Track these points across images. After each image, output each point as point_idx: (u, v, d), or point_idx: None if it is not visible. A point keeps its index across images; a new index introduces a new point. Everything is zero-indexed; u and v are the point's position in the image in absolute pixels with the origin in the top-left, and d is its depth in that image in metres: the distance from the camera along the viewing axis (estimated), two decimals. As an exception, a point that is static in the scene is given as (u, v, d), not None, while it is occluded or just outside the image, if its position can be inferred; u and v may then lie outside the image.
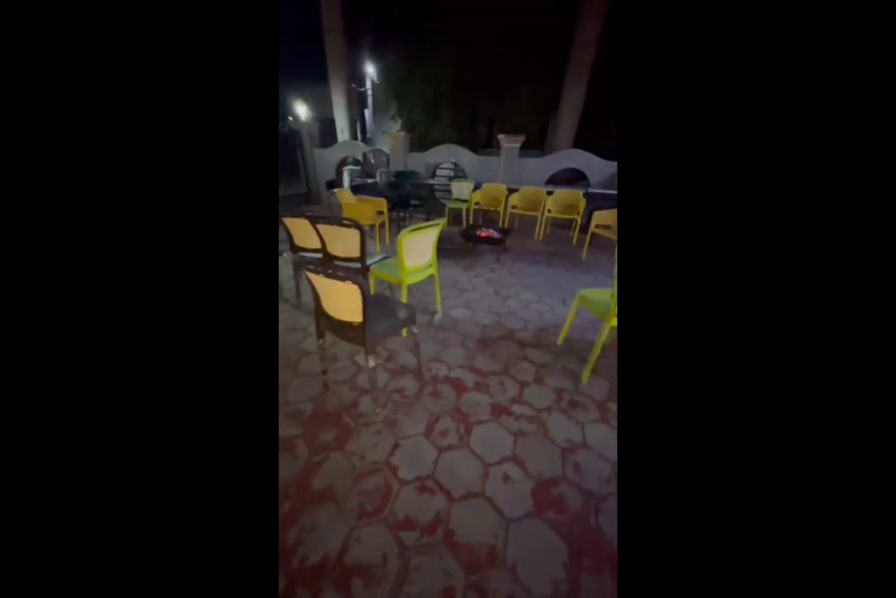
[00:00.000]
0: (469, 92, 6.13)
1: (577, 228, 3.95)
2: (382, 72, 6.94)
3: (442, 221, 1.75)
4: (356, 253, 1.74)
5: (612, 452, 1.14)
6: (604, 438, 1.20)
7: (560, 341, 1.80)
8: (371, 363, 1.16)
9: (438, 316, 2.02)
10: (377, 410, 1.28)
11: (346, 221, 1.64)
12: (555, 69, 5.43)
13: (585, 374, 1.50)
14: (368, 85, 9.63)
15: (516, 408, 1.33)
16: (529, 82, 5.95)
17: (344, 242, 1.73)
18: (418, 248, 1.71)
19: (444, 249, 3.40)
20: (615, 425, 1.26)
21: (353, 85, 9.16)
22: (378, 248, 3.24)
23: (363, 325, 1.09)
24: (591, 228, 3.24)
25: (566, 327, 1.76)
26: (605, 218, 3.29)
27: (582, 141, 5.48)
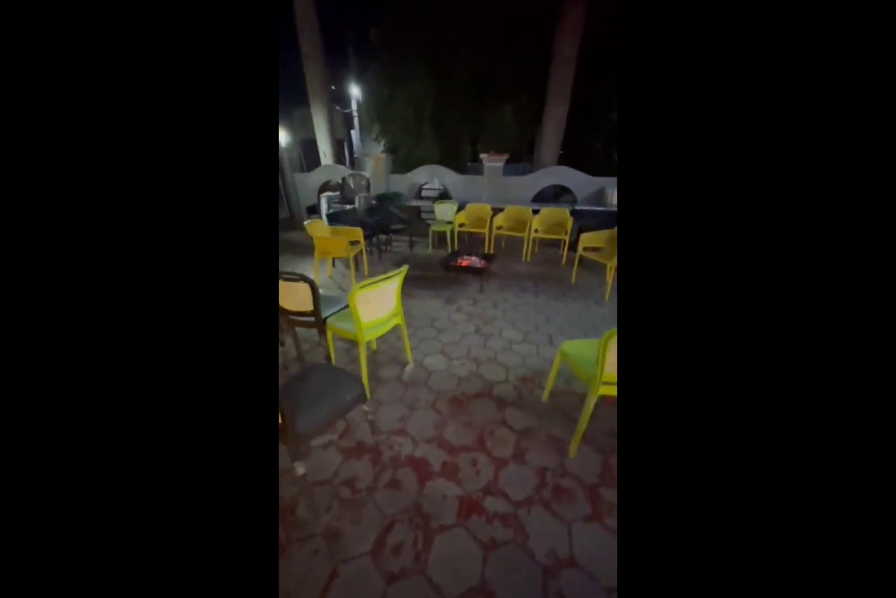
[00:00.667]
0: (451, 110, 6.11)
1: (566, 247, 3.79)
2: (364, 94, 6.96)
3: (404, 269, 1.56)
4: (309, 306, 1.55)
5: (606, 570, 0.91)
6: (596, 546, 0.98)
7: (545, 397, 1.58)
8: (301, 471, 0.94)
9: (410, 367, 1.81)
10: (318, 515, 1.06)
11: (291, 275, 1.46)
12: (537, 85, 5.40)
13: (573, 446, 1.28)
14: (354, 106, 9.71)
15: (489, 502, 1.10)
16: (512, 98, 5.93)
17: (294, 296, 1.53)
18: (378, 299, 1.51)
19: (426, 278, 3.23)
20: (609, 523, 1.03)
21: (338, 107, 9.21)
22: (354, 283, 3.06)
23: (284, 424, 0.88)
24: (579, 250, 3.07)
25: (550, 381, 1.55)
26: (593, 240, 3.13)
27: (567, 157, 5.40)
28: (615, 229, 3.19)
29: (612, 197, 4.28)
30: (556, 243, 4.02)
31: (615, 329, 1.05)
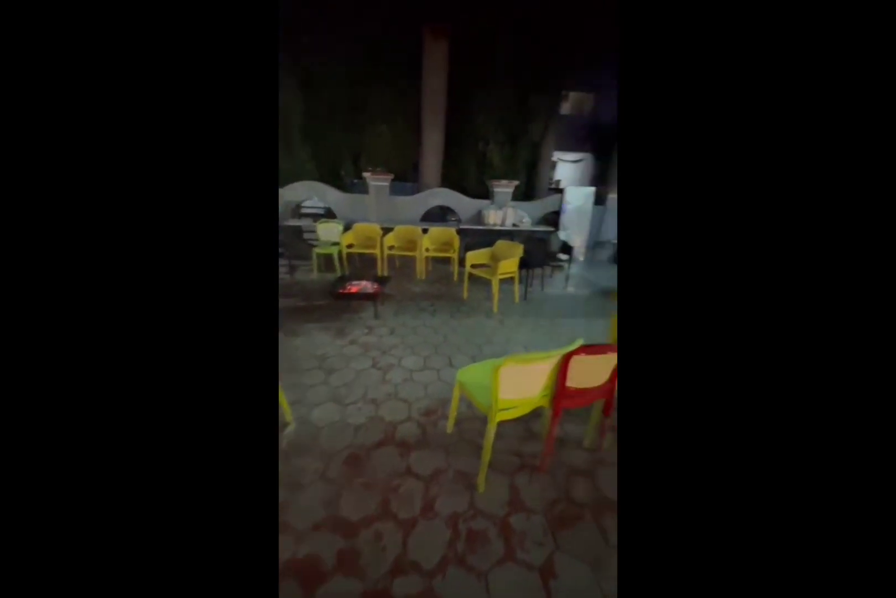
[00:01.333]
0: (324, 125, 5.82)
1: (456, 264, 4.01)
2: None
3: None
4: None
5: (525, 620, 0.87)
6: (513, 590, 0.93)
7: (449, 428, 1.52)
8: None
9: (290, 430, 1.48)
10: None
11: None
12: (412, 111, 5.68)
13: (481, 479, 1.24)
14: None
15: (399, 584, 0.93)
16: (390, 121, 6.08)
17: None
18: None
19: (312, 309, 2.84)
20: (521, 558, 1.01)
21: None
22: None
23: None
24: (467, 268, 3.27)
25: (453, 411, 1.50)
26: (478, 258, 3.39)
27: (448, 180, 5.84)
28: (495, 247, 3.55)
29: (489, 218, 4.81)
30: (448, 260, 4.22)
31: (505, 358, 1.07)
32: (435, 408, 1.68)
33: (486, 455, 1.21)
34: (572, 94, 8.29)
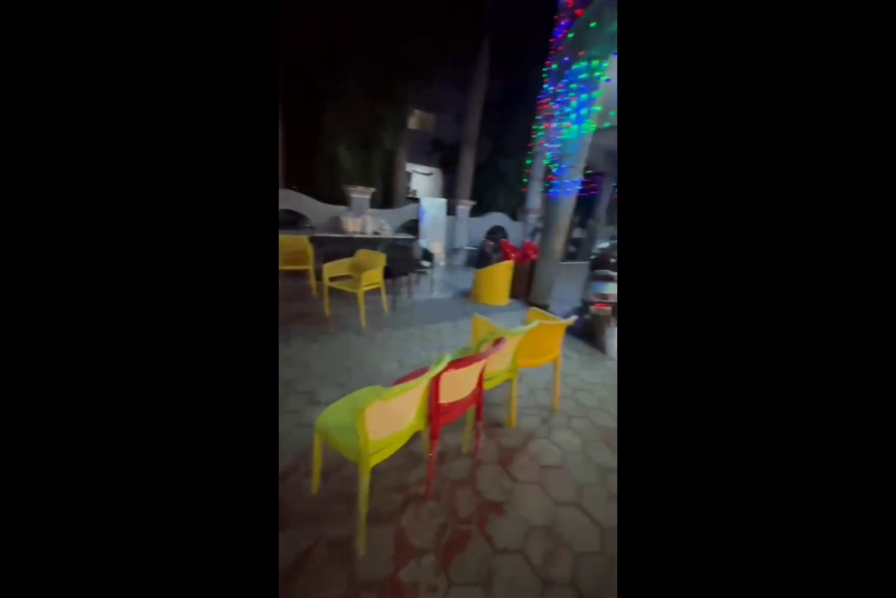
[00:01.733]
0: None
1: (313, 276, 3.52)
2: None
3: None
4: None
5: None
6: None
7: (314, 488, 1.23)
8: None
9: None
10: None
11: None
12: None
13: (361, 541, 1.03)
14: None
15: None
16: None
17: None
18: None
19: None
20: (416, 619, 0.88)
21: None
22: None
23: None
24: (326, 281, 2.90)
25: (316, 465, 1.22)
26: (338, 269, 3.07)
27: (295, 182, 5.11)
28: (356, 257, 3.31)
29: (347, 225, 4.49)
30: (302, 273, 3.65)
31: (368, 391, 0.91)
32: (295, 465, 1.33)
33: (363, 509, 1.02)
34: (417, 112, 8.92)
